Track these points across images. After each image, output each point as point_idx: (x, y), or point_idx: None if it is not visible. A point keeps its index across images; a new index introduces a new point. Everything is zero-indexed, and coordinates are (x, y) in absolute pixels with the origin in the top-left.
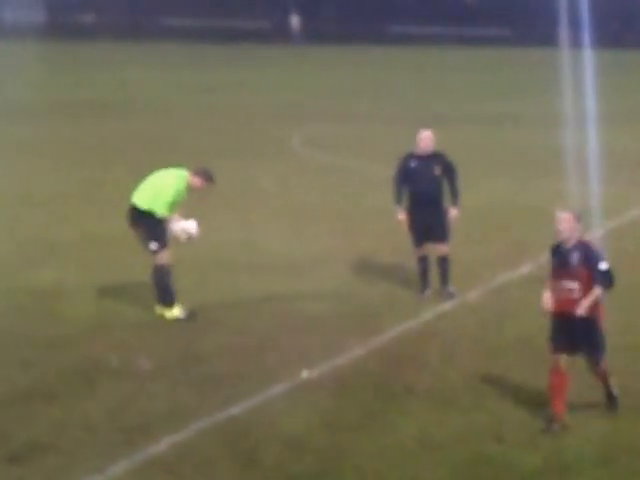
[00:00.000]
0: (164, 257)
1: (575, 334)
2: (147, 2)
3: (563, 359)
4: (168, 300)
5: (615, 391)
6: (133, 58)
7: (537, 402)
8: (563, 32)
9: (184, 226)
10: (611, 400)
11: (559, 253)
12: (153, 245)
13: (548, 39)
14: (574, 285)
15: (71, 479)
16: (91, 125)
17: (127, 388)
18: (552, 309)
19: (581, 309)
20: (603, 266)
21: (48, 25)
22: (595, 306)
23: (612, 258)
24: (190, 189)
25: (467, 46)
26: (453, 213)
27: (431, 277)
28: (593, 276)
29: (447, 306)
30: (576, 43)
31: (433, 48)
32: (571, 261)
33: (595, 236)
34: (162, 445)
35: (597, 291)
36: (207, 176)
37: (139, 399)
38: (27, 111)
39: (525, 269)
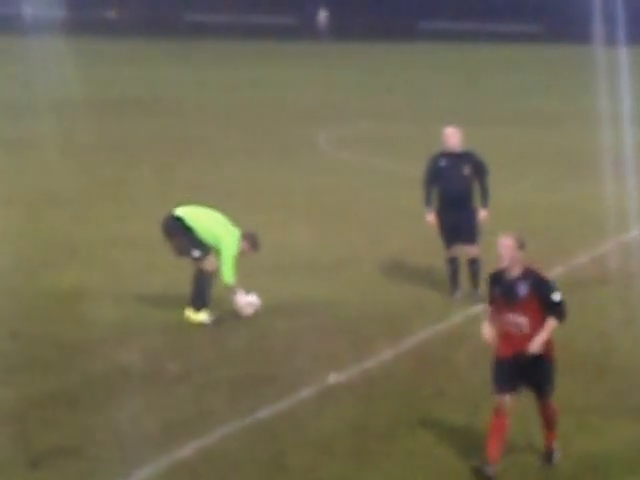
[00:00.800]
0: (208, 263)
1: (524, 371)
2: None
3: (507, 400)
4: (199, 304)
5: (555, 445)
6: (157, 55)
7: (569, 407)
8: (597, 29)
9: (250, 300)
10: (548, 454)
11: (502, 283)
12: (196, 253)
13: (581, 36)
14: (522, 319)
15: None
16: (114, 124)
17: (153, 392)
18: (496, 346)
19: (535, 346)
20: (557, 297)
21: (69, 21)
22: (548, 340)
23: None
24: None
25: (499, 42)
26: (483, 214)
27: (461, 279)
28: (546, 308)
29: (477, 309)
30: (610, 40)
31: (464, 44)
32: (519, 292)
33: (630, 237)
34: (188, 449)
35: (552, 324)
36: (254, 243)
37: (165, 403)
38: (48, 109)
39: (558, 270)
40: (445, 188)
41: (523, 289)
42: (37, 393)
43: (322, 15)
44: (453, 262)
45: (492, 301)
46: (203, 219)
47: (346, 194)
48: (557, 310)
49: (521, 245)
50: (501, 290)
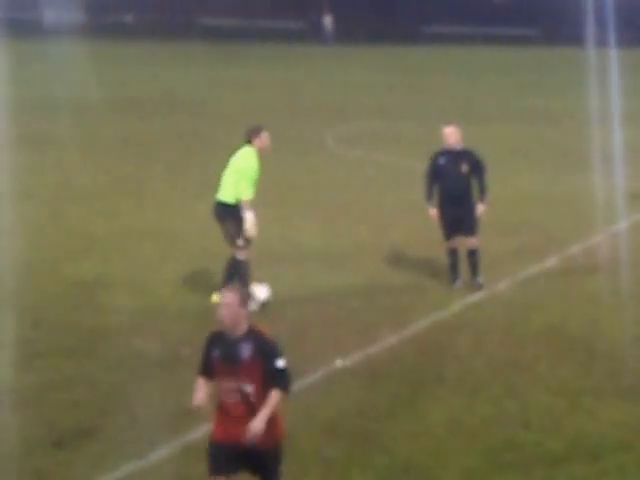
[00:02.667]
0: (248, 253)
1: (246, 454)
2: (185, 2)
3: None
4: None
5: None
6: (172, 57)
7: (563, 390)
8: (590, 32)
9: (254, 291)
10: None
11: (223, 345)
12: (240, 242)
13: (575, 39)
14: (247, 387)
15: (113, 464)
16: (131, 122)
17: (168, 376)
18: (214, 423)
19: (256, 426)
20: (280, 364)
21: (88, 25)
22: (273, 417)
23: (635, 250)
24: (261, 155)
25: (497, 45)
26: (480, 209)
27: (461, 269)
28: (269, 376)
29: (476, 297)
30: (602, 43)
31: (464, 47)
32: (242, 355)
33: (619, 228)
34: (201, 431)
35: (276, 397)
36: (258, 129)
37: (179, 387)
38: (68, 109)
39: (552, 261)
40: (445, 185)
41: (246, 350)
42: (59, 378)
43: (328, 20)
44: (453, 253)
45: (207, 366)
46: (229, 181)
47: (352, 189)
48: (280, 379)
49: (244, 302)
50: (221, 353)
